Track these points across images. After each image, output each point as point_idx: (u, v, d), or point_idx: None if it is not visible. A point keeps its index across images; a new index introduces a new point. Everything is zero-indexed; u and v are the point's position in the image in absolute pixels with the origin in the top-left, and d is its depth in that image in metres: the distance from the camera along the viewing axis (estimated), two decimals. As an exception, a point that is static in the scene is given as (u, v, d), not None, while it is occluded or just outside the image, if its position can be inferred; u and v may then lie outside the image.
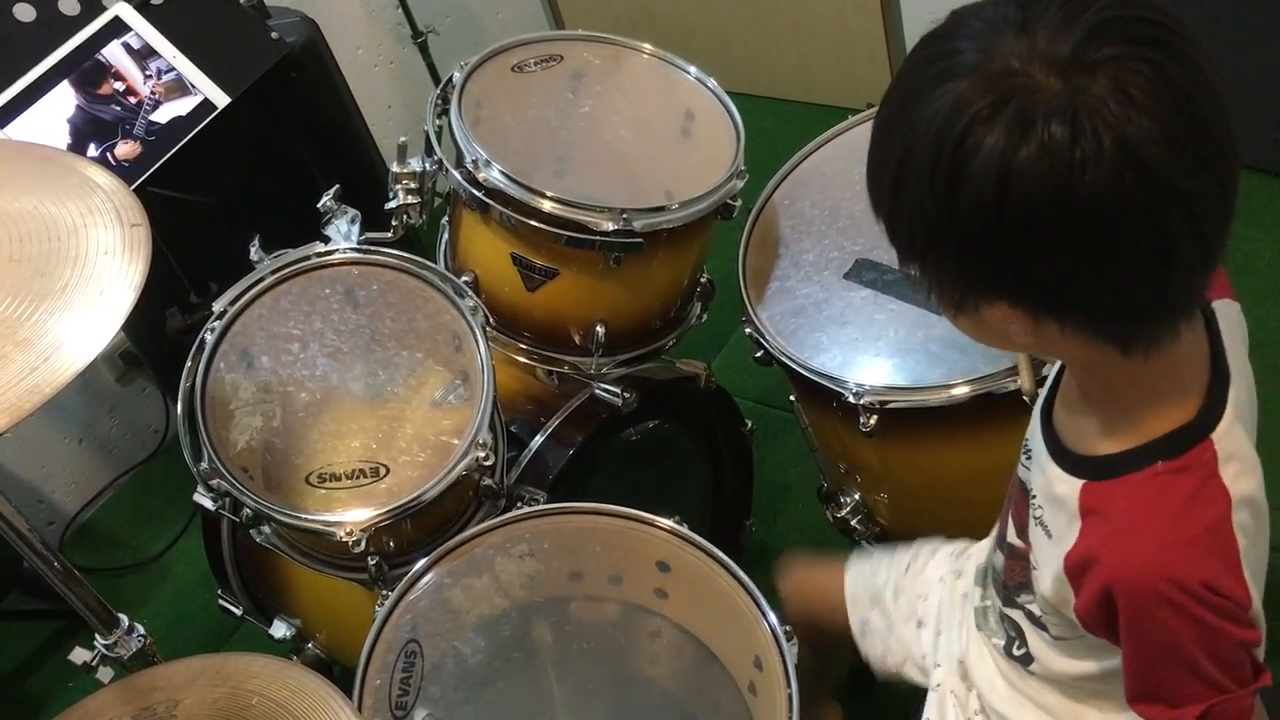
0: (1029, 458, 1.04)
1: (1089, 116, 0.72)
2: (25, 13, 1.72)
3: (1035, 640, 1.09)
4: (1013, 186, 0.74)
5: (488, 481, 1.48)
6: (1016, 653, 1.13)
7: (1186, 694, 0.88)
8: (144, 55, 1.77)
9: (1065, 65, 0.74)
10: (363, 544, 1.38)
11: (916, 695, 1.35)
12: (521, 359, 1.72)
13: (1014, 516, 1.08)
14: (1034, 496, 1.01)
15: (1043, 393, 1.04)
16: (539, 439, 1.65)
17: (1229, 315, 0.95)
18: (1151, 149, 0.73)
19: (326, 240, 1.58)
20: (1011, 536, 1.08)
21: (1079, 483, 0.93)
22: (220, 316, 1.47)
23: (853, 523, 1.65)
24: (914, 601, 1.33)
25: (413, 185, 1.67)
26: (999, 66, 0.76)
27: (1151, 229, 0.75)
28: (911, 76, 0.82)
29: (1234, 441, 0.88)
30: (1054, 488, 0.96)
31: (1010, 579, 1.10)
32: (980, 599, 1.21)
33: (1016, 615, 1.11)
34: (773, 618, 1.25)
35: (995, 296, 0.82)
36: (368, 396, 1.48)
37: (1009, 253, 0.78)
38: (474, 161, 1.57)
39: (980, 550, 1.30)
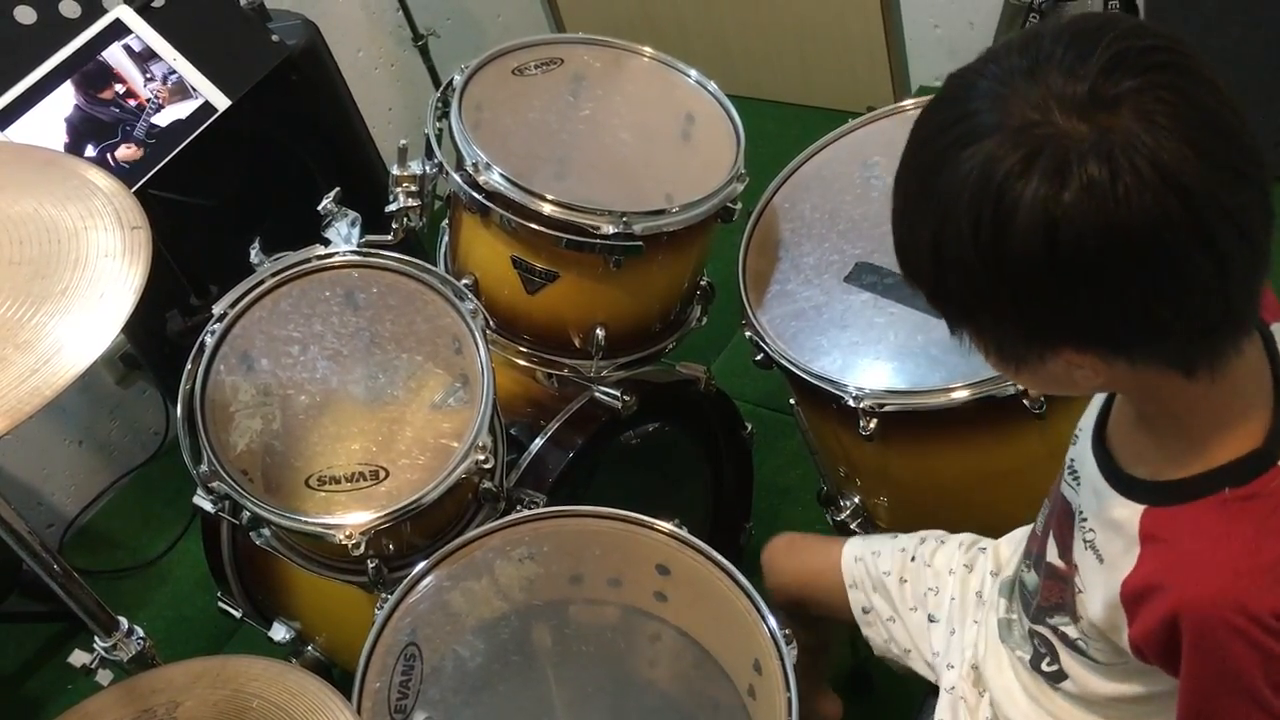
0: (1075, 478, 1.02)
1: (1123, 151, 0.72)
2: (26, 15, 1.72)
3: (1068, 659, 1.07)
4: (1061, 232, 0.73)
5: (487, 484, 1.48)
6: (1047, 669, 1.11)
7: None
8: (144, 58, 1.77)
9: (1086, 106, 0.74)
10: (362, 547, 1.38)
11: (916, 696, 1.36)
12: (521, 362, 1.72)
13: (1057, 537, 1.06)
14: (1084, 520, 0.99)
15: (1090, 413, 1.02)
16: (539, 442, 1.65)
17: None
18: (1190, 171, 0.73)
19: (327, 243, 1.58)
20: (1053, 557, 1.06)
21: (1140, 508, 0.91)
22: (220, 319, 1.47)
23: (852, 526, 1.65)
24: (923, 593, 1.32)
25: (413, 188, 1.67)
26: (1020, 120, 0.75)
27: (1205, 248, 0.74)
28: (927, 147, 0.81)
29: None
30: (1110, 512, 0.94)
31: (1046, 600, 1.08)
32: (1005, 610, 1.19)
33: (1045, 632, 1.09)
34: (772, 621, 1.25)
35: (1061, 345, 0.81)
36: (367, 399, 1.48)
37: (1069, 299, 0.77)
38: (474, 164, 1.57)
39: (1003, 549, 1.29)
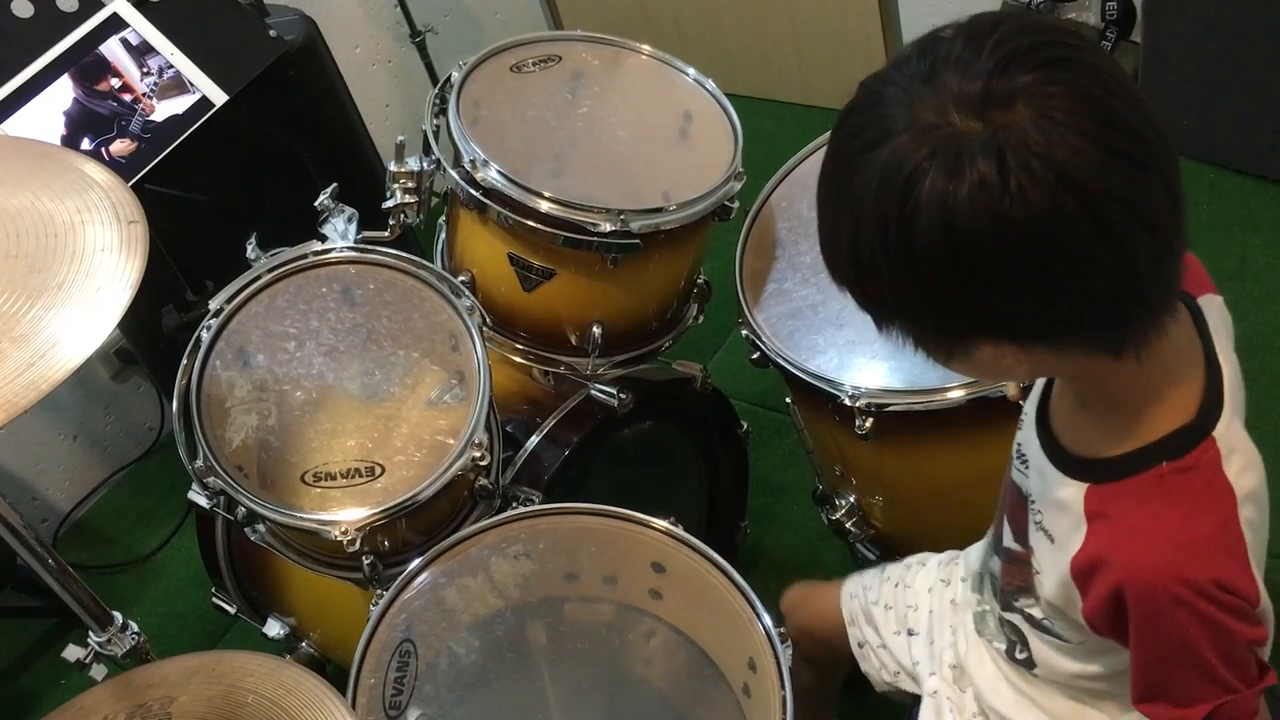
0: (1024, 463, 1.04)
1: (1014, 150, 0.74)
2: (23, 8, 1.71)
3: (1037, 643, 1.09)
4: (958, 229, 0.75)
5: (483, 481, 1.47)
6: (1019, 656, 1.13)
7: (1195, 694, 0.89)
8: (142, 52, 1.77)
9: (980, 104, 0.75)
10: (357, 543, 1.38)
11: (911, 701, 1.36)
12: (518, 359, 1.72)
13: (1011, 522, 1.08)
14: (1033, 502, 1.01)
15: (1033, 398, 1.04)
16: (535, 439, 1.65)
17: (1212, 309, 0.96)
18: (1084, 165, 0.74)
19: (323, 239, 1.58)
20: (1009, 541, 1.08)
21: (1083, 486, 0.93)
22: (216, 314, 1.47)
23: (847, 525, 1.65)
24: (904, 613, 1.34)
25: (410, 184, 1.67)
26: (923, 122, 0.77)
27: (1103, 240, 0.76)
28: (842, 151, 0.83)
29: (1234, 436, 0.89)
30: (1056, 492, 0.96)
31: (1009, 583, 1.10)
32: (978, 604, 1.21)
33: (1015, 619, 1.11)
34: (767, 619, 1.26)
35: (977, 337, 0.83)
36: (364, 395, 1.48)
37: (973, 294, 0.79)
38: (472, 161, 1.57)
39: (972, 555, 1.30)
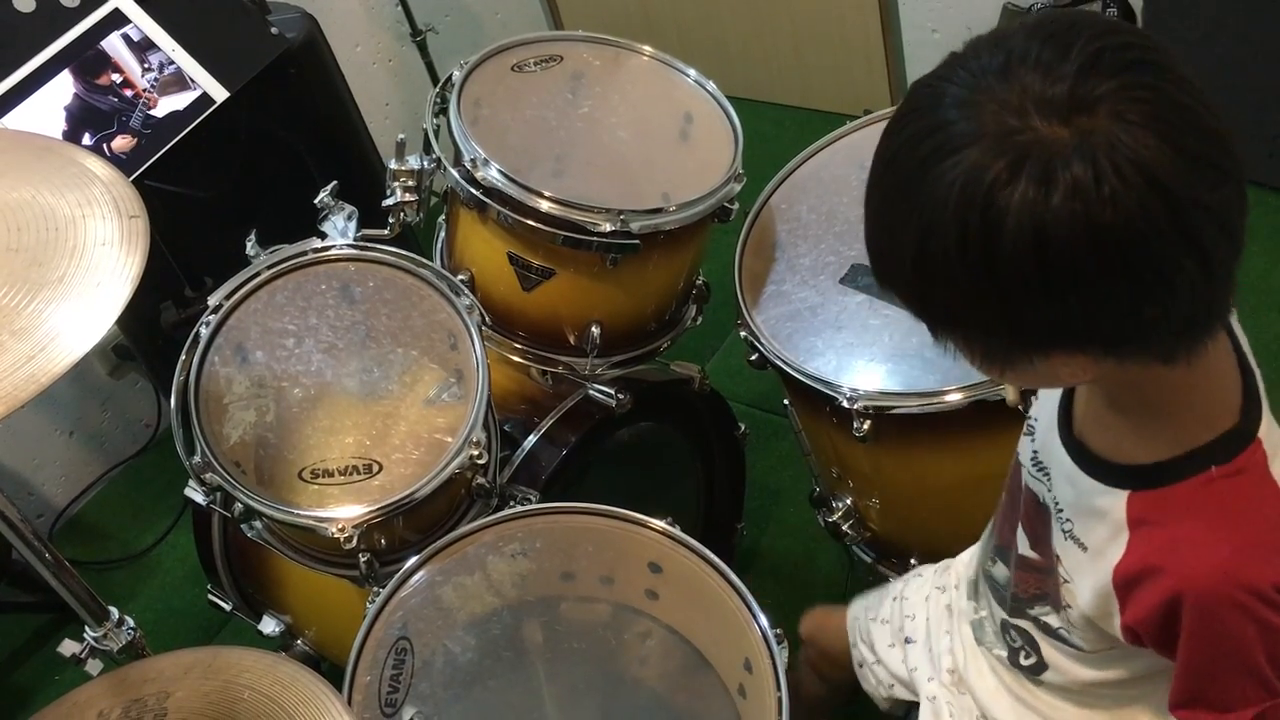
0: (1043, 472, 1.02)
1: (1106, 154, 0.72)
2: (25, 3, 1.71)
3: (1049, 649, 1.08)
4: (1050, 237, 0.73)
5: (480, 480, 1.48)
6: (1025, 662, 1.12)
7: (1240, 698, 0.89)
8: (143, 48, 1.77)
9: (1065, 109, 0.74)
10: (354, 541, 1.38)
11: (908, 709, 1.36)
12: (516, 358, 1.72)
13: (1028, 530, 1.06)
14: (1061, 510, 0.99)
15: (1048, 406, 1.02)
16: (532, 438, 1.65)
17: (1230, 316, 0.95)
18: (1172, 171, 0.73)
19: (323, 236, 1.58)
20: (1023, 549, 1.06)
21: (1123, 494, 0.91)
22: (215, 311, 1.47)
23: (844, 527, 1.66)
24: (900, 624, 1.34)
25: (410, 183, 1.67)
26: (998, 127, 0.75)
27: (1189, 246, 0.75)
28: (902, 158, 0.81)
29: (1275, 438, 0.89)
30: (1090, 500, 0.94)
31: (1023, 591, 1.08)
32: (974, 611, 1.20)
33: (1025, 625, 1.10)
34: (763, 620, 1.26)
35: (1051, 349, 0.81)
36: (362, 393, 1.48)
37: (1059, 304, 0.77)
38: (472, 160, 1.57)
39: (963, 561, 1.30)
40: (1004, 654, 1.15)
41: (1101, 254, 0.74)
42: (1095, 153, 0.72)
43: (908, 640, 1.32)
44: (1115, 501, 0.92)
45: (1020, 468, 1.07)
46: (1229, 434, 0.87)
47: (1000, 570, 1.13)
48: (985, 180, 0.74)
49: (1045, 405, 1.03)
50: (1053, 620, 1.05)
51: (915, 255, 0.80)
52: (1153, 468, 0.90)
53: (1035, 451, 1.04)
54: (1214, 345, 0.85)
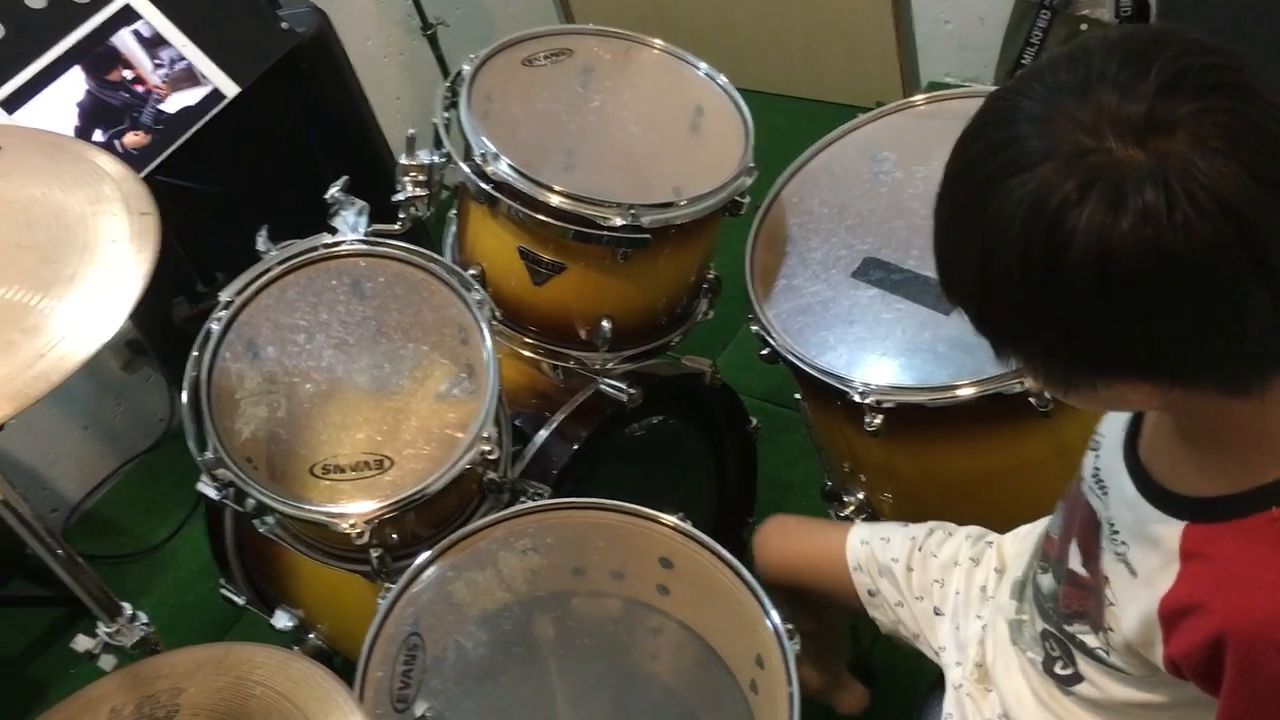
0: (1103, 489, 1.00)
1: (1180, 179, 0.70)
2: (37, 0, 1.72)
3: (1088, 664, 1.06)
4: (1117, 262, 0.71)
5: (491, 475, 1.47)
6: (1061, 671, 1.10)
7: None
8: (154, 44, 1.77)
9: (1141, 130, 0.72)
10: (366, 536, 1.38)
11: (916, 688, 1.36)
12: (527, 353, 1.72)
13: (1081, 545, 1.04)
14: (1116, 532, 0.97)
15: (1116, 425, 1.00)
16: (543, 433, 1.65)
17: None
18: (1247, 199, 0.71)
19: (334, 231, 1.58)
20: (1075, 565, 1.05)
21: (1179, 524, 0.89)
22: (227, 306, 1.47)
23: (857, 522, 1.65)
24: (929, 584, 1.31)
25: (421, 177, 1.67)
26: (1071, 147, 0.73)
27: (1262, 276, 0.73)
28: (972, 171, 0.79)
29: None
30: (1147, 527, 0.92)
31: (1068, 606, 1.06)
32: (1015, 611, 1.18)
33: (1064, 639, 1.08)
34: (775, 616, 1.25)
35: (1114, 376, 0.80)
36: (373, 388, 1.48)
37: (1123, 331, 0.75)
38: (483, 155, 1.56)
39: (1008, 550, 1.28)
40: (1039, 659, 1.13)
41: (1169, 282, 0.72)
42: (1169, 177, 0.70)
43: (937, 611, 1.30)
44: (1171, 531, 0.89)
45: (1081, 481, 1.05)
46: None
47: (1048, 581, 1.11)
48: (1053, 200, 0.73)
49: (1113, 423, 1.01)
50: (1090, 640, 1.03)
51: (978, 271, 0.78)
52: (1213, 501, 0.87)
53: (1098, 469, 1.02)
54: None
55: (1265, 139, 0.72)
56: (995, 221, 0.75)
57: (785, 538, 1.47)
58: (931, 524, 1.37)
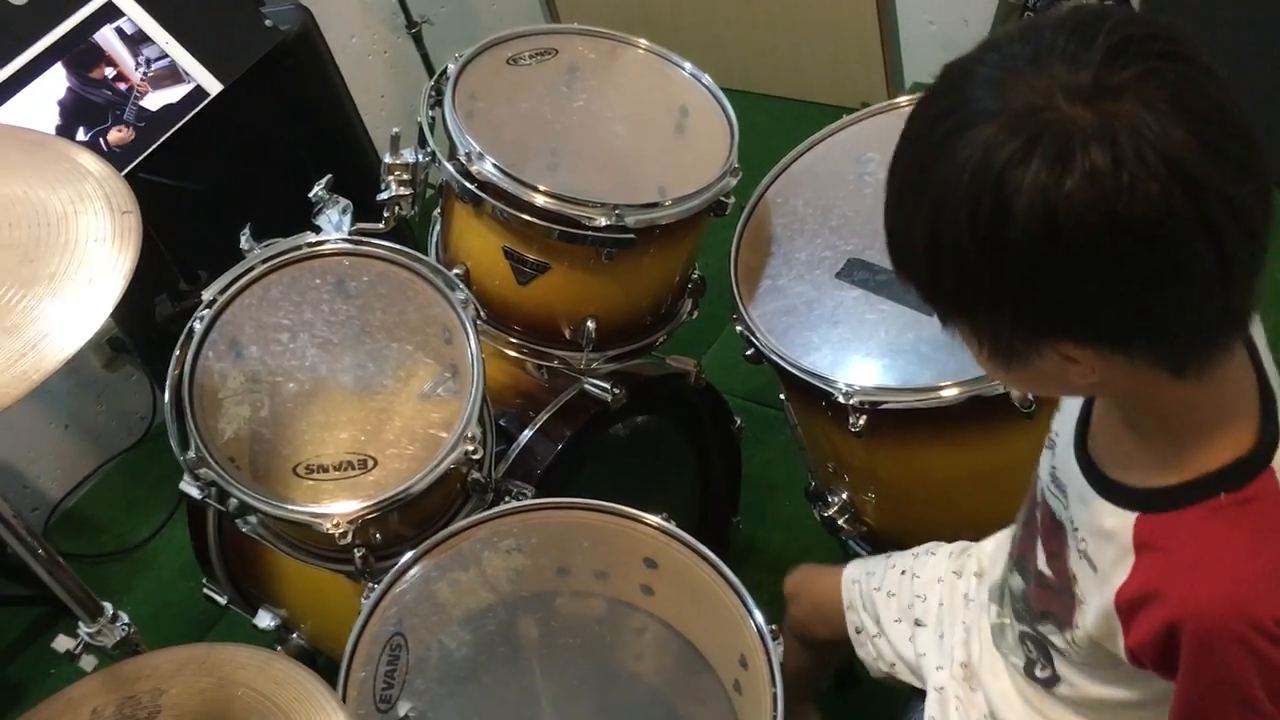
0: (1060, 488, 1.01)
1: (1128, 138, 0.71)
2: (17, -5, 1.71)
3: (1064, 664, 1.07)
4: (1062, 220, 0.72)
5: (475, 475, 1.47)
6: (1040, 674, 1.10)
7: None
8: (136, 41, 1.76)
9: (1090, 93, 0.72)
10: (349, 536, 1.37)
11: (900, 697, 1.36)
12: (511, 353, 1.71)
13: (1046, 546, 1.05)
14: (1076, 530, 0.98)
15: (1068, 421, 1.01)
16: (527, 433, 1.65)
17: (1258, 332, 0.93)
18: (1196, 160, 0.71)
19: (318, 230, 1.57)
20: (1041, 564, 1.05)
21: (1131, 516, 0.90)
22: (210, 305, 1.47)
23: (840, 522, 1.65)
24: (910, 601, 1.32)
25: (405, 176, 1.66)
26: (1021, 105, 0.74)
27: (1208, 239, 0.73)
28: (923, 135, 0.80)
29: None
30: (1100, 521, 0.93)
31: (1037, 606, 1.07)
32: (996, 615, 1.19)
33: (1038, 639, 1.09)
34: (759, 616, 1.25)
35: (1059, 338, 0.80)
36: (357, 388, 1.48)
37: (1069, 289, 0.76)
38: (467, 154, 1.56)
39: (985, 555, 1.29)
40: (1020, 663, 1.13)
41: (1115, 239, 0.72)
42: (1117, 136, 0.71)
43: (918, 623, 1.30)
44: (1124, 523, 0.90)
45: (1039, 480, 1.06)
46: (1242, 460, 0.85)
47: (1017, 582, 1.11)
48: (1000, 157, 0.73)
49: (1066, 421, 1.01)
50: (1057, 639, 1.04)
51: (927, 234, 0.79)
52: (1161, 491, 0.88)
53: (1054, 468, 1.02)
54: (1231, 365, 0.84)
55: (1209, 103, 0.74)
56: (944, 181, 0.76)
57: (804, 585, 1.48)
58: (917, 549, 1.38)
